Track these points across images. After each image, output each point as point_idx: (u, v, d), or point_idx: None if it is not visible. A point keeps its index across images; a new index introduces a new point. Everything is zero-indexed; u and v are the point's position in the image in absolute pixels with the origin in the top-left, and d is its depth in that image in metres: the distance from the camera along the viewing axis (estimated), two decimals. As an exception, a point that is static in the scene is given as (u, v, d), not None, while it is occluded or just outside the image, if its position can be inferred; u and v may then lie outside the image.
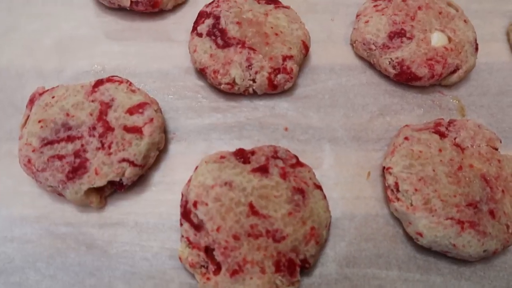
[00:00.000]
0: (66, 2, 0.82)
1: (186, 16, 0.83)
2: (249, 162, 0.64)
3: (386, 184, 0.67)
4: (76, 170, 0.60)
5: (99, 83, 0.67)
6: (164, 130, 0.69)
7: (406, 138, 0.68)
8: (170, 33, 0.81)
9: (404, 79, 0.76)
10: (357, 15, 0.82)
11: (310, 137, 0.73)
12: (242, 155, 0.64)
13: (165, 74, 0.77)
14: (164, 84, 0.76)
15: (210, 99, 0.75)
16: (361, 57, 0.81)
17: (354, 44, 0.81)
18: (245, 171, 0.62)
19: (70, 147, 0.61)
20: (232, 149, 0.68)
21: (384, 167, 0.68)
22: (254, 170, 0.62)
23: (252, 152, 0.65)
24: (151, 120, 0.65)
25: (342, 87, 0.78)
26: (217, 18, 0.75)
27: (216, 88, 0.75)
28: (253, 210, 0.58)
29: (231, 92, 0.74)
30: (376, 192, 0.69)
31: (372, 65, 0.80)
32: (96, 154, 0.61)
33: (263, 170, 0.62)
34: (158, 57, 0.78)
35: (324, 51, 0.82)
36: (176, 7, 0.84)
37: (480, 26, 0.86)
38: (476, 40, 0.79)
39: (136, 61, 0.77)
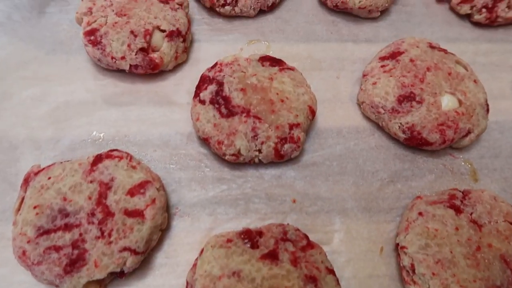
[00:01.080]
0: (62, 65, 0.79)
1: (187, 76, 0.80)
2: (257, 247, 0.60)
3: (401, 265, 0.64)
4: (75, 263, 0.56)
5: (97, 160, 0.64)
6: (166, 207, 0.65)
7: (420, 214, 0.65)
8: (171, 96, 0.78)
9: (415, 144, 0.74)
10: (364, 75, 0.80)
11: (319, 209, 0.70)
12: (249, 238, 0.61)
13: (167, 141, 0.73)
14: (165, 153, 0.72)
15: (214, 169, 0.71)
16: (369, 119, 0.78)
17: (361, 105, 0.78)
18: (253, 258, 0.58)
19: (68, 236, 0.57)
20: (239, 225, 0.65)
21: (398, 244, 0.65)
22: (263, 257, 0.58)
23: (260, 233, 0.62)
24: (153, 201, 0.61)
25: (350, 152, 0.75)
26: (220, 84, 0.72)
27: (220, 156, 0.71)
28: (263, 304, 0.55)
29: (235, 162, 0.70)
30: (390, 270, 0.66)
31: (380, 126, 0.77)
32: (95, 244, 0.57)
33: (272, 256, 0.59)
34: (159, 123, 0.75)
35: (330, 112, 0.79)
36: (177, 66, 0.81)
37: (488, 81, 0.84)
38: (487, 101, 0.76)
39: (136, 128, 0.74)
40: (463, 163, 0.76)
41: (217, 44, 0.84)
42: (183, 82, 0.79)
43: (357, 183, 0.72)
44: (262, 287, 0.56)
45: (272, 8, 0.88)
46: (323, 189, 0.71)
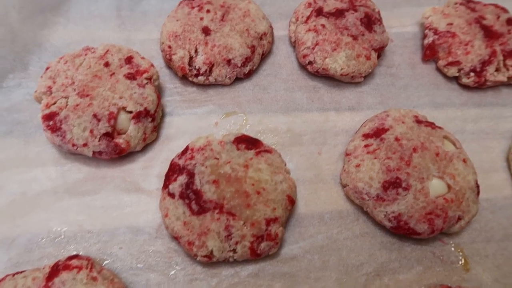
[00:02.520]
0: (19, 149, 0.72)
1: (157, 157, 0.74)
2: None
3: None
4: None
5: (54, 273, 0.58)
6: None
7: (408, 322, 0.60)
8: (139, 182, 0.72)
9: (402, 233, 0.69)
10: (347, 154, 0.74)
11: (300, 314, 0.64)
12: None
13: (134, 236, 0.68)
14: (132, 250, 0.67)
15: (185, 267, 0.66)
16: (353, 202, 0.73)
17: (344, 188, 0.73)
18: None
19: None
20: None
21: None
22: None
23: None
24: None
25: (333, 242, 0.70)
26: (191, 175, 0.66)
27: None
28: None
29: (209, 261, 0.65)
30: None
31: (365, 211, 0.72)
32: None
33: None
34: (126, 214, 0.69)
35: (312, 195, 0.74)
36: (146, 146, 0.75)
37: (477, 152, 0.80)
38: (477, 182, 0.72)
39: (100, 222, 0.68)
40: (453, 249, 0.72)
41: (190, 118, 0.79)
42: (152, 165, 0.73)
43: (341, 280, 0.67)
44: None
45: (249, 75, 0.83)
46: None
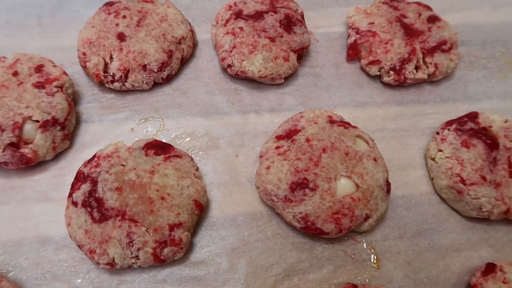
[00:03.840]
0: None
1: (70, 166, 0.74)
2: None
3: None
4: None
5: None
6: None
7: (307, 322, 0.60)
8: (49, 191, 0.72)
9: (311, 233, 0.69)
10: (260, 156, 0.75)
11: (204, 319, 0.64)
12: None
13: (41, 247, 0.68)
14: (38, 261, 0.66)
15: (91, 276, 0.66)
16: (266, 204, 0.73)
17: (258, 190, 0.73)
18: None
19: None
20: None
21: None
22: None
23: None
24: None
25: (244, 245, 0.70)
26: (94, 183, 0.66)
27: (98, 262, 0.65)
28: None
29: (114, 268, 0.65)
30: None
31: (278, 213, 0.73)
32: None
33: None
34: (33, 225, 0.69)
35: (226, 198, 0.74)
36: (59, 154, 0.74)
37: (396, 149, 0.81)
38: (387, 180, 0.72)
39: (6, 233, 0.68)
40: (365, 247, 0.72)
41: (106, 125, 0.78)
42: (64, 173, 0.73)
43: (249, 282, 0.67)
44: None
45: (169, 79, 0.83)
46: (211, 293, 0.66)
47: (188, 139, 0.78)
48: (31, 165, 0.71)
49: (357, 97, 0.87)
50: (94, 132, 0.77)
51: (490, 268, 0.68)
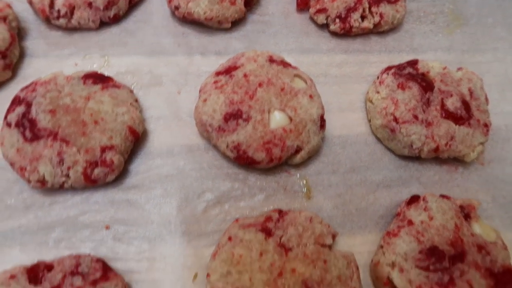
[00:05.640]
0: None
1: (9, 96, 0.74)
2: (40, 283, 0.56)
3: (205, 294, 0.61)
4: None
5: None
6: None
7: (229, 239, 0.63)
8: (-13, 118, 0.72)
9: (243, 163, 0.71)
10: (200, 90, 0.76)
11: (134, 236, 0.67)
12: (34, 273, 0.57)
13: (-24, 168, 0.68)
14: (-28, 180, 0.67)
15: (23, 196, 0.67)
16: (204, 136, 0.75)
17: (195, 123, 0.75)
18: (30, 297, 0.54)
19: None
20: (38, 259, 0.60)
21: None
22: (41, 296, 0.54)
23: (50, 267, 0.58)
24: None
25: (179, 173, 0.72)
26: (29, 105, 0.67)
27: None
28: None
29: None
30: (202, 298, 0.63)
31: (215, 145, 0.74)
32: None
33: (52, 295, 0.55)
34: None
35: (165, 130, 0.76)
36: (1, 85, 0.75)
37: (338, 93, 0.83)
38: (322, 116, 0.74)
39: None
40: (298, 180, 0.74)
41: (51, 60, 0.80)
42: (3, 102, 0.74)
43: (180, 206, 0.69)
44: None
45: (116, 19, 0.84)
46: (141, 214, 0.68)
47: (130, 76, 0.79)
48: (-29, 92, 0.72)
49: (304, 44, 0.89)
50: (37, 66, 0.79)
51: (414, 199, 0.70)
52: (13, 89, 0.76)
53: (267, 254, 0.61)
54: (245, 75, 0.74)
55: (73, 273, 0.57)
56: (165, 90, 0.79)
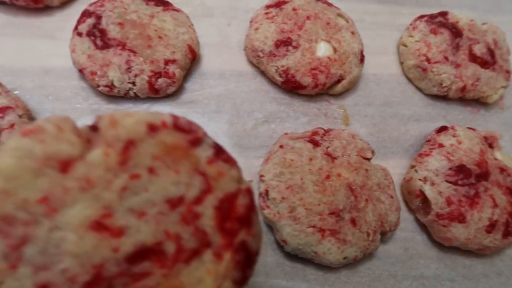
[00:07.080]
0: None
1: (74, 14, 0.79)
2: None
3: (259, 191, 0.67)
4: None
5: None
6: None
7: (281, 147, 0.69)
8: (54, 31, 0.77)
9: (290, 87, 0.77)
10: (250, 21, 0.82)
11: (191, 143, 0.72)
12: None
13: (45, 74, 0.73)
14: (42, 84, 0.72)
15: (89, 101, 0.72)
16: (253, 64, 0.81)
17: (245, 51, 0.81)
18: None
19: None
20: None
21: (259, 175, 0.69)
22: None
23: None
24: (12, 126, 0.62)
25: (230, 93, 0.78)
26: (98, 17, 0.73)
27: (98, 91, 0.72)
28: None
29: (112, 95, 0.72)
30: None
31: (262, 72, 0.80)
32: None
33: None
34: (39, 56, 0.75)
35: (216, 56, 0.81)
36: (65, 4, 0.80)
37: (372, 38, 0.89)
38: (362, 51, 0.81)
39: (14, 58, 0.74)
40: (337, 109, 0.81)
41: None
42: (69, 19, 0.78)
43: (232, 121, 0.75)
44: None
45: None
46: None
47: (183, 5, 0.84)
48: (38, 7, 0.77)
49: (341, -8, 0.95)
50: (98, -10, 0.83)
51: (443, 128, 0.78)
52: (74, 9, 0.80)
53: (316, 159, 0.67)
54: (294, 9, 0.80)
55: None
56: (215, 21, 0.85)
